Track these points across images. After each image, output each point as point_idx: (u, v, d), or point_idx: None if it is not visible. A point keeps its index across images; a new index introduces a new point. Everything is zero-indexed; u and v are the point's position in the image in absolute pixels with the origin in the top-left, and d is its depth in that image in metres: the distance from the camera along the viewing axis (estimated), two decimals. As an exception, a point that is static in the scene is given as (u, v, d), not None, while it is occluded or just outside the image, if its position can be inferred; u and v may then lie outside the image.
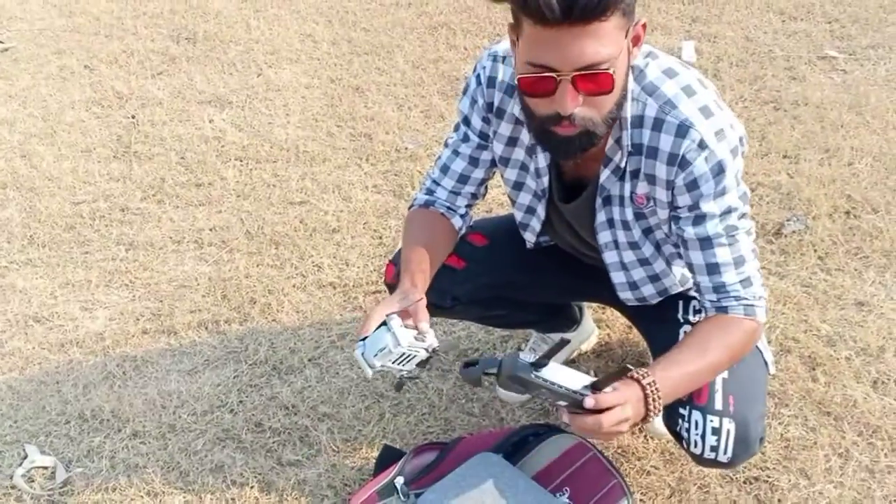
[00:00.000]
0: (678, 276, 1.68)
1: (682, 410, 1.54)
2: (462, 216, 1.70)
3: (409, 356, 1.41)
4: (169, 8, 4.27)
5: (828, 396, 2.00)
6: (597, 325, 2.22)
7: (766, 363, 1.62)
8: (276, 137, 3.20)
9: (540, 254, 1.81)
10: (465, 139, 1.63)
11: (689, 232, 1.46)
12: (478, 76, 1.56)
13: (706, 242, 1.45)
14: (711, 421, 1.52)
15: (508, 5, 1.30)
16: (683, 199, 1.44)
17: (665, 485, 1.86)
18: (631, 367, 1.29)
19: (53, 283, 2.61)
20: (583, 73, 1.26)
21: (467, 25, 3.82)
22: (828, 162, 2.74)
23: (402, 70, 3.55)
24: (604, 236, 1.61)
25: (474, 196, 1.70)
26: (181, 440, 2.07)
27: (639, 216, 1.54)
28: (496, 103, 1.55)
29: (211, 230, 2.77)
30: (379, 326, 1.42)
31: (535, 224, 1.70)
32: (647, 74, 1.42)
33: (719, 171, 1.39)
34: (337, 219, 2.75)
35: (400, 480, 1.76)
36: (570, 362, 2.16)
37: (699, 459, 1.57)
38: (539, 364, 1.31)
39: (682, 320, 1.69)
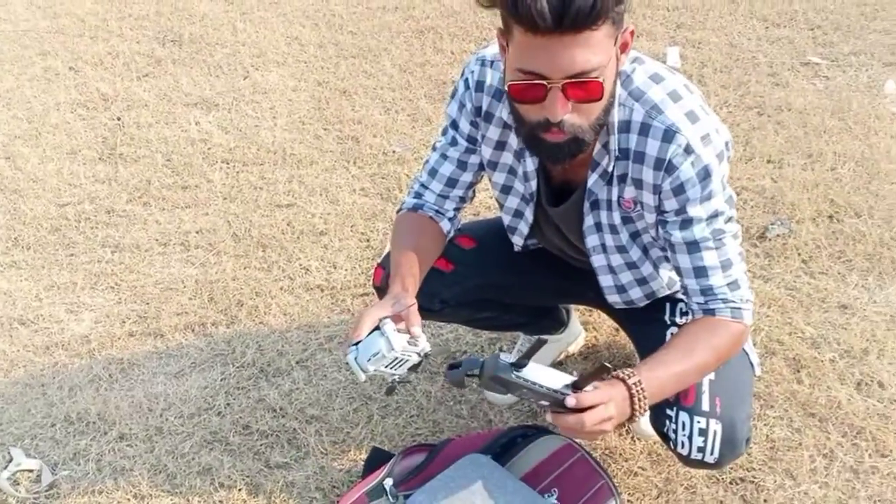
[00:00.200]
0: (665, 280, 1.70)
1: (669, 411, 1.56)
2: (450, 220, 1.70)
3: (401, 360, 1.42)
4: (154, 10, 4.26)
5: (812, 398, 2.02)
6: (584, 328, 2.23)
7: (752, 365, 1.63)
8: (263, 140, 3.19)
9: (528, 256, 1.82)
10: (454, 143, 1.64)
11: (677, 236, 1.47)
12: (466, 80, 1.57)
13: (693, 246, 1.47)
14: (698, 422, 1.53)
15: (495, 10, 1.30)
16: (670, 204, 1.45)
17: (652, 485, 1.87)
18: (609, 365, 1.29)
19: (38, 286, 2.60)
20: (573, 81, 1.27)
21: (454, 30, 3.84)
22: (811, 167, 2.77)
23: (389, 74, 3.56)
24: (591, 240, 1.62)
25: (462, 200, 1.71)
26: (168, 443, 2.06)
27: (626, 220, 1.56)
28: (484, 107, 1.56)
29: (197, 233, 2.76)
30: (372, 331, 1.42)
31: (523, 227, 1.71)
32: (634, 80, 1.43)
33: (705, 175, 1.41)
34: (324, 221, 2.75)
35: (389, 482, 1.76)
36: (557, 364, 2.17)
37: (686, 460, 1.58)
38: (519, 364, 1.32)
39: (668, 322, 1.70)
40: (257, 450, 2.03)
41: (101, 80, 3.67)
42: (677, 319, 1.70)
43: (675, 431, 1.56)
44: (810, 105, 3.08)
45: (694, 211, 1.44)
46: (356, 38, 3.86)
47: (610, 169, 1.48)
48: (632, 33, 1.34)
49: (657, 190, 1.45)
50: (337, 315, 2.40)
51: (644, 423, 1.86)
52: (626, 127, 1.43)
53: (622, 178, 1.49)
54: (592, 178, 1.51)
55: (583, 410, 1.29)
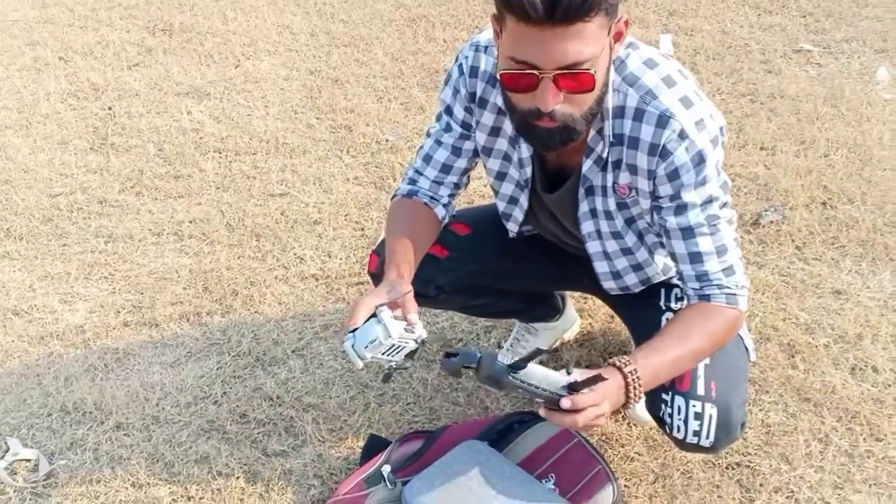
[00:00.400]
0: (660, 266, 1.70)
1: (664, 396, 1.57)
2: (445, 206, 1.70)
3: (398, 347, 1.42)
4: (144, -1, 4.23)
5: (807, 383, 2.03)
6: (579, 315, 2.24)
7: (747, 350, 1.64)
8: (256, 129, 3.18)
9: (523, 243, 1.82)
10: (448, 129, 1.63)
11: (671, 222, 1.47)
12: (460, 66, 1.57)
13: (688, 232, 1.47)
14: (694, 406, 1.54)
15: None
16: (665, 189, 1.45)
17: (649, 470, 1.88)
18: (606, 377, 1.32)
19: (32, 276, 2.58)
20: (564, 71, 1.27)
21: (446, 18, 3.82)
22: (804, 153, 2.78)
23: (381, 62, 3.55)
24: (587, 226, 1.62)
25: (457, 186, 1.71)
26: (165, 432, 2.06)
27: (621, 206, 1.56)
28: (479, 93, 1.56)
29: (191, 222, 2.75)
30: (368, 318, 1.42)
31: (518, 214, 1.71)
32: (628, 65, 1.43)
33: (700, 160, 1.41)
34: (318, 210, 2.75)
35: (387, 469, 1.77)
36: (553, 351, 2.18)
37: (682, 444, 1.59)
38: (516, 367, 1.33)
39: (664, 307, 1.71)
40: (254, 438, 2.03)
41: (91, 70, 3.64)
42: (672, 305, 1.70)
43: (671, 416, 1.57)
44: (803, 92, 3.09)
45: (688, 196, 1.44)
46: (348, 26, 3.84)
47: (604, 155, 1.48)
48: (626, 23, 1.35)
49: (652, 175, 1.45)
50: (332, 304, 2.40)
51: (640, 408, 1.87)
52: (620, 112, 1.43)
53: (617, 164, 1.49)
54: (587, 165, 1.51)
55: (577, 411, 1.31)
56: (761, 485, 1.83)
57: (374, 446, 1.90)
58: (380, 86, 3.39)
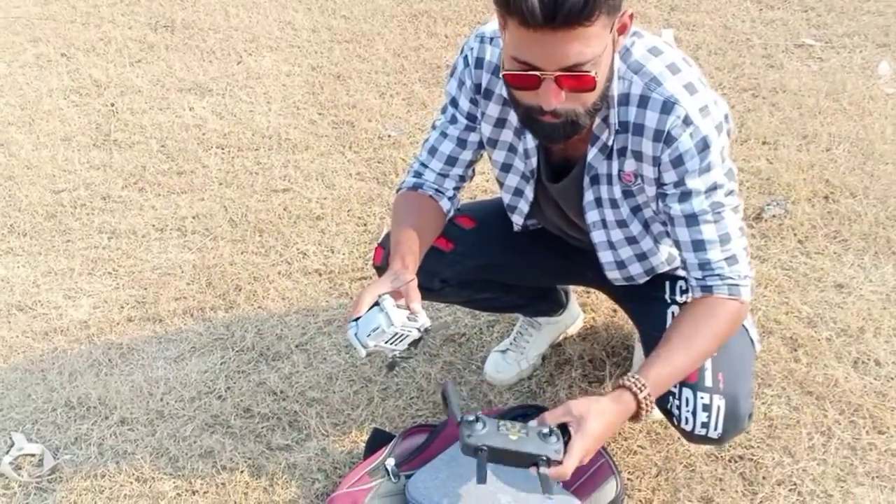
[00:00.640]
0: (665, 255, 1.70)
1: (672, 388, 1.57)
2: (450, 199, 1.70)
3: (401, 336, 1.42)
4: (146, -5, 4.23)
5: (810, 376, 2.03)
6: (582, 309, 2.24)
7: (752, 341, 1.64)
8: (258, 125, 3.19)
9: (527, 236, 1.83)
10: (453, 121, 1.64)
11: (675, 209, 1.47)
12: (465, 57, 1.57)
13: (692, 219, 1.47)
14: (702, 398, 1.54)
15: None
16: (669, 176, 1.45)
17: (652, 464, 1.89)
18: (568, 432, 1.36)
19: (35, 272, 2.59)
20: (566, 73, 1.28)
21: (448, 13, 3.82)
22: (806, 148, 2.79)
23: (383, 58, 3.55)
24: (592, 215, 1.62)
25: (462, 178, 1.71)
26: (169, 426, 2.07)
27: (627, 194, 1.56)
28: (484, 84, 1.56)
29: (194, 218, 2.75)
30: (371, 307, 1.42)
31: (523, 206, 1.72)
32: (633, 53, 1.43)
33: (704, 146, 1.41)
34: (321, 206, 2.75)
35: (391, 462, 1.77)
36: (556, 346, 2.18)
37: (689, 436, 1.60)
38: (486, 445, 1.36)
39: (669, 301, 1.71)
40: (258, 432, 2.04)
41: (93, 67, 3.65)
42: (678, 298, 1.70)
43: (679, 408, 1.57)
44: (805, 86, 3.09)
45: (693, 183, 1.44)
46: (349, 22, 3.85)
47: (609, 143, 1.48)
48: (631, 16, 1.35)
49: (656, 162, 1.45)
50: (335, 299, 2.41)
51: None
52: (625, 100, 1.44)
53: (622, 152, 1.49)
54: (592, 153, 1.51)
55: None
56: (764, 478, 1.84)
57: (378, 440, 1.90)
58: (382, 81, 3.39)
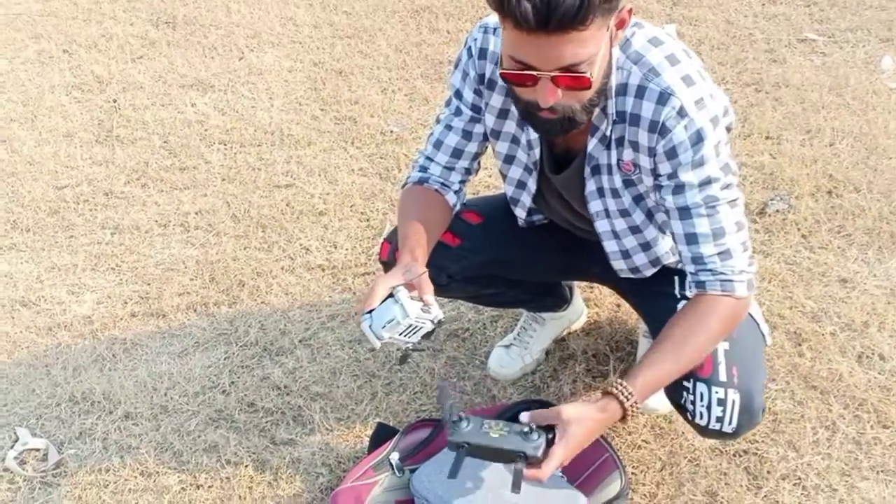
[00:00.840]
0: (669, 245, 1.69)
1: (686, 383, 1.56)
2: (456, 192, 1.70)
3: (415, 328, 1.42)
4: (147, -9, 4.22)
5: (814, 371, 2.03)
6: (586, 304, 2.24)
7: (763, 335, 1.64)
8: (260, 121, 3.18)
9: (533, 232, 1.83)
10: (458, 113, 1.63)
11: (669, 201, 1.47)
12: (469, 48, 1.57)
13: (685, 212, 1.46)
14: (717, 392, 1.54)
15: None
16: (664, 167, 1.45)
17: (656, 458, 1.89)
18: (551, 436, 1.39)
19: (39, 268, 2.59)
20: (562, 73, 1.29)
21: (450, 9, 3.82)
22: (809, 142, 2.78)
23: (385, 54, 3.55)
24: (594, 205, 1.62)
25: (468, 171, 1.71)
26: (174, 421, 2.07)
27: (627, 183, 1.56)
28: (487, 75, 1.56)
29: (197, 213, 2.75)
30: (385, 299, 1.42)
31: (526, 199, 1.72)
32: (633, 43, 1.43)
33: (698, 139, 1.40)
34: (323, 202, 2.75)
35: (395, 457, 1.77)
36: (560, 341, 2.18)
37: (703, 430, 1.59)
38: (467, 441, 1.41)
39: (678, 296, 1.69)
40: (263, 427, 2.04)
41: (95, 63, 3.64)
42: (687, 293, 1.69)
43: (693, 403, 1.57)
44: (808, 81, 3.09)
45: (685, 176, 1.43)
46: (351, 18, 3.84)
47: (608, 133, 1.49)
48: (630, 11, 1.35)
49: (652, 153, 1.45)
50: (338, 294, 2.41)
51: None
52: (623, 90, 1.44)
53: (620, 141, 1.49)
54: (592, 143, 1.52)
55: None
56: (769, 472, 1.84)
57: (382, 435, 1.90)
58: (384, 77, 3.39)
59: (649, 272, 1.73)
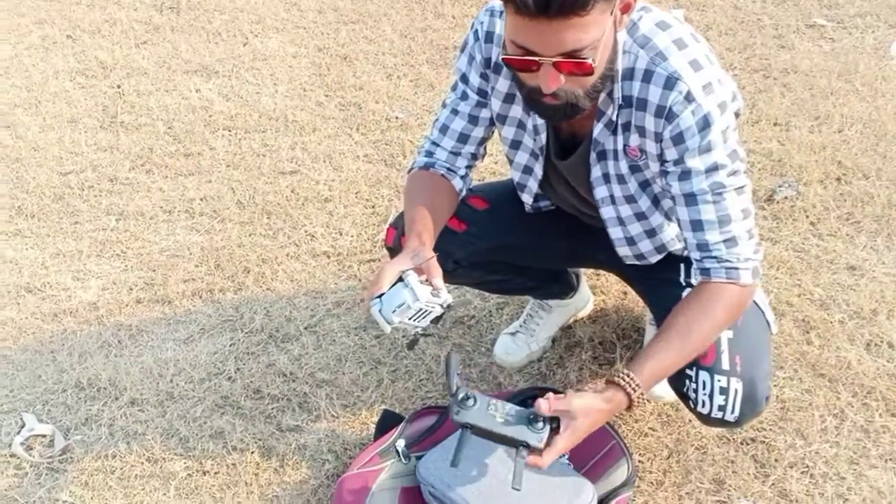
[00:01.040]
0: (675, 232, 1.68)
1: (688, 371, 1.55)
2: (462, 177, 1.69)
3: (425, 312, 1.42)
4: (151, -23, 4.20)
5: (822, 359, 2.02)
6: (592, 292, 2.23)
7: (768, 323, 1.63)
8: (265, 107, 3.17)
9: (540, 218, 1.82)
10: (464, 97, 1.62)
11: (675, 188, 1.46)
12: (475, 32, 1.56)
13: (691, 199, 1.45)
14: (719, 381, 1.53)
15: None
16: (670, 153, 1.44)
17: (663, 446, 1.88)
18: (556, 425, 1.39)
19: (44, 254, 2.59)
20: (564, 59, 1.27)
21: (455, -6, 3.79)
22: (818, 129, 2.76)
23: (389, 39, 3.52)
24: (600, 191, 1.61)
25: (474, 157, 1.69)
26: (180, 407, 2.07)
27: (634, 169, 1.54)
28: (494, 58, 1.55)
29: (202, 200, 2.74)
30: (394, 283, 1.41)
31: (532, 184, 1.70)
32: (640, 27, 1.42)
33: (705, 125, 1.39)
34: (329, 188, 2.74)
35: (401, 444, 1.76)
36: (566, 328, 2.18)
37: (706, 419, 1.58)
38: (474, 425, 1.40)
39: (684, 283, 1.69)
40: (269, 413, 2.04)
41: (99, 49, 3.63)
42: (692, 281, 1.68)
43: (696, 391, 1.56)
44: (816, 67, 3.06)
45: (692, 162, 1.42)
46: (355, 3, 3.81)
47: (614, 117, 1.47)
48: None
49: (658, 138, 1.44)
50: (344, 281, 2.40)
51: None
52: (629, 74, 1.42)
53: (626, 126, 1.48)
54: (598, 128, 1.50)
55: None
56: (776, 460, 1.83)
57: (388, 422, 1.90)
58: (389, 63, 3.37)
59: (655, 259, 1.72)
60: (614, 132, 1.50)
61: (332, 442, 1.95)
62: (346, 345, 2.20)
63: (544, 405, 1.37)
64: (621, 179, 1.57)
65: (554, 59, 1.27)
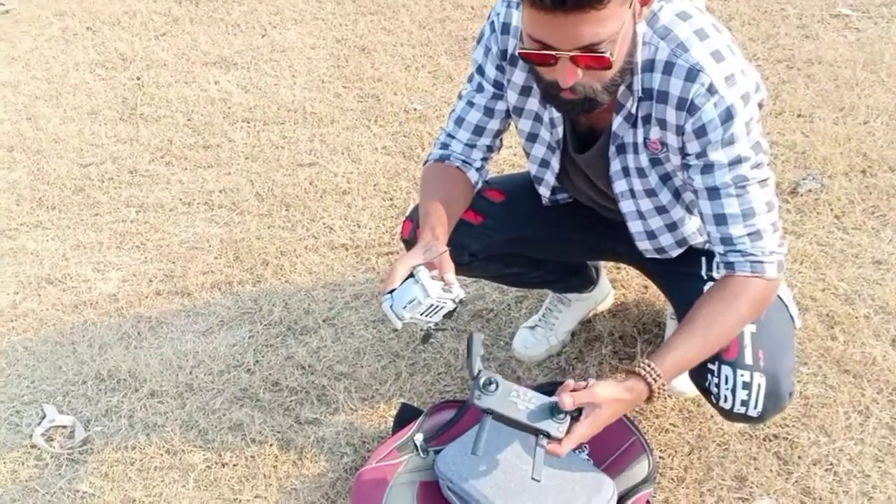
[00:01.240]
0: (696, 226, 1.65)
1: (710, 366, 1.54)
2: (478, 170, 1.67)
3: (437, 307, 1.40)
4: (171, -32, 4.20)
5: (847, 354, 1.99)
6: (612, 286, 2.21)
7: (792, 318, 1.60)
8: (283, 99, 3.16)
9: (557, 210, 1.80)
10: (480, 89, 1.60)
11: (698, 181, 1.43)
12: (492, 23, 1.54)
13: (714, 192, 1.43)
14: (742, 375, 1.51)
15: None
16: (692, 146, 1.41)
17: (684, 442, 1.86)
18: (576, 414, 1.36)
19: (65, 245, 2.60)
20: (581, 53, 1.26)
21: (475, -15, 3.76)
22: (843, 120, 2.72)
23: (408, 30, 3.51)
24: (619, 185, 1.59)
25: (490, 149, 1.68)
26: (199, 399, 2.07)
27: (654, 162, 1.52)
28: (510, 50, 1.53)
29: (221, 192, 2.75)
30: (406, 279, 1.40)
31: (549, 178, 1.69)
32: (661, 18, 1.39)
33: (728, 117, 1.36)
34: (347, 180, 2.73)
35: (419, 437, 1.76)
36: (586, 322, 2.16)
37: (728, 414, 1.56)
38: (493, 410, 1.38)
39: (705, 277, 1.66)
40: (287, 406, 2.03)
41: (118, 40, 3.64)
42: (714, 274, 1.66)
43: (718, 386, 1.54)
44: (841, 57, 3.01)
45: (715, 155, 1.39)
46: (375, -6, 3.80)
47: (634, 110, 1.45)
48: None
49: (680, 131, 1.41)
50: (362, 274, 2.39)
51: (675, 380, 1.84)
52: (650, 66, 1.40)
53: (646, 119, 1.45)
54: (617, 122, 1.48)
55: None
56: (800, 457, 1.81)
57: (406, 415, 1.89)
58: (407, 54, 3.35)
59: (675, 253, 1.70)
60: (634, 125, 1.48)
61: (351, 435, 1.95)
62: (365, 338, 2.19)
63: (568, 401, 1.35)
64: (641, 173, 1.55)
65: (571, 54, 1.25)
